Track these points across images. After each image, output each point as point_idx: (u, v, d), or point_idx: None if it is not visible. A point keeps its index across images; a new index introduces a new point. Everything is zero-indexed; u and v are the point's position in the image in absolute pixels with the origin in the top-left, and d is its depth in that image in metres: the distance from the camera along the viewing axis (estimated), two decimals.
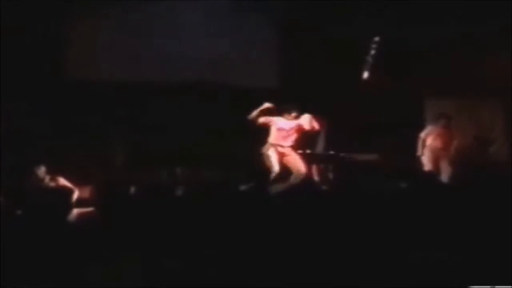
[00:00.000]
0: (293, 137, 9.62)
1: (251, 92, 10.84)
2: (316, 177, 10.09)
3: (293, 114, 9.54)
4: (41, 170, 9.43)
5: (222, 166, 10.08)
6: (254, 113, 9.42)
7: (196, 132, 11.27)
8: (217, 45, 11.64)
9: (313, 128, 9.53)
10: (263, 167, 9.21)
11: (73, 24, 11.50)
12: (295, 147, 9.66)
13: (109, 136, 11.26)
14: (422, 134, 10.74)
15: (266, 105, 9.45)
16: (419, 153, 10.65)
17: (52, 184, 9.26)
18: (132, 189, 5.36)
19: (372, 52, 11.32)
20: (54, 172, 9.44)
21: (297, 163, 9.48)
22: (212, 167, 10.21)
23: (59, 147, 10.70)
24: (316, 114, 9.51)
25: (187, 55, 11.55)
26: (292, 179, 9.19)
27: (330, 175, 10.17)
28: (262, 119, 9.49)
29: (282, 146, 9.53)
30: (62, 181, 9.35)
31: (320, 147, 10.89)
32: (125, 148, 11.34)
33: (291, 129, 9.59)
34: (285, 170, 9.36)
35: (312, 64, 11.44)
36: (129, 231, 4.31)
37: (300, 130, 9.60)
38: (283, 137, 9.56)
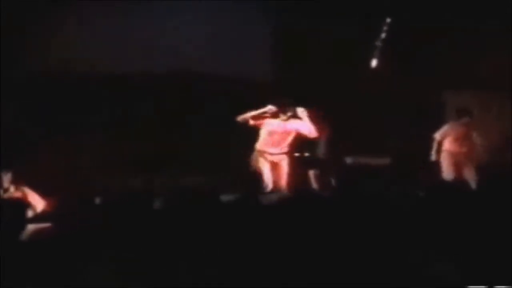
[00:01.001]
0: (287, 141, 9.35)
1: (242, 88, 10.89)
2: (316, 185, 9.97)
3: (289, 114, 9.26)
4: (7, 177, 8.96)
5: (209, 171, 9.99)
6: (250, 114, 9.17)
7: (182, 132, 11.26)
8: (210, 37, 11.78)
9: (311, 133, 9.28)
10: (254, 174, 9.08)
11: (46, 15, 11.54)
12: (289, 153, 9.40)
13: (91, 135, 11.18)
14: (437, 135, 10.36)
15: (269, 108, 9.22)
16: (435, 157, 10.32)
17: (18, 194, 8.85)
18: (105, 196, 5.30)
19: (382, 37, 11.24)
20: (23, 179, 9.06)
21: (283, 176, 9.23)
22: (197, 171, 10.09)
23: (28, 148, 10.59)
24: (316, 112, 9.28)
25: (178, 49, 11.64)
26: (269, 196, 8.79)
27: (333, 183, 9.98)
28: (255, 121, 9.23)
29: (272, 154, 9.28)
30: (28, 192, 8.90)
31: (321, 149, 10.71)
32: (93, 149, 11.18)
33: (285, 132, 9.31)
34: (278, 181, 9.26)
35: (312, 55, 11.36)
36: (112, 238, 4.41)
37: (296, 134, 9.34)
38: (274, 142, 9.31)
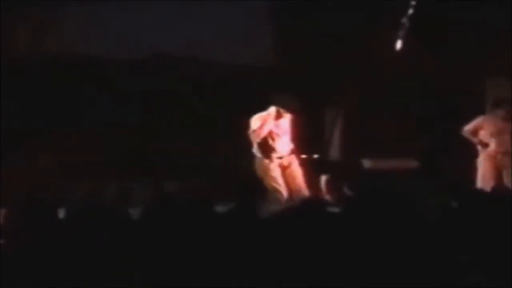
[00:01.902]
0: (290, 140, 9.24)
1: (242, 88, 10.93)
2: (326, 193, 9.99)
3: (292, 109, 9.17)
4: None
5: (197, 176, 9.93)
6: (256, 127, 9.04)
7: (167, 130, 11.25)
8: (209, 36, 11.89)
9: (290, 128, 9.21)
10: (252, 179, 8.94)
11: None
12: (297, 153, 9.26)
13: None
14: (467, 128, 9.98)
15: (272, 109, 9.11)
16: (469, 156, 9.94)
17: None
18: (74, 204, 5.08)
19: (408, 14, 10.94)
20: None
21: (296, 180, 9.09)
22: (184, 176, 10.10)
23: None
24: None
25: (178, 48, 11.89)
26: (285, 201, 8.71)
27: (347, 190, 10.02)
28: (258, 124, 9.07)
29: (279, 156, 9.13)
30: None
31: (333, 150, 10.89)
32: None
33: (287, 130, 9.22)
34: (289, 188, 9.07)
35: (321, 38, 11.20)
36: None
37: (294, 131, 9.24)
38: (277, 142, 9.17)
